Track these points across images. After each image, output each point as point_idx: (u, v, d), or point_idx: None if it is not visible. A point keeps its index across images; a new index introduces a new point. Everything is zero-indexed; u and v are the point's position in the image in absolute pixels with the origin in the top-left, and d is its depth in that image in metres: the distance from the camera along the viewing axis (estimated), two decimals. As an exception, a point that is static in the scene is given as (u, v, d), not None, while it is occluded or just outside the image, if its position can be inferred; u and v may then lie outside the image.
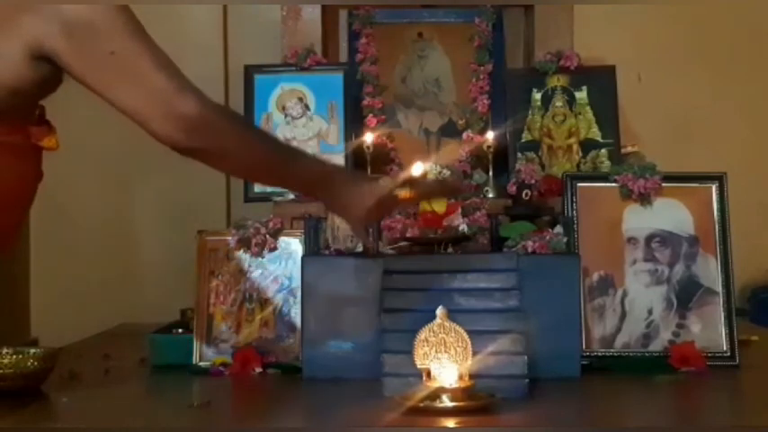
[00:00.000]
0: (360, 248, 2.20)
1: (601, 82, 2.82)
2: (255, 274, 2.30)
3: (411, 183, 1.96)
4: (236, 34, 3.49)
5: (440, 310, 1.86)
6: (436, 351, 1.82)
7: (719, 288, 2.28)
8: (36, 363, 1.96)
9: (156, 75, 1.64)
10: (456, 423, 1.72)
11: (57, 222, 3.34)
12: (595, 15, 3.24)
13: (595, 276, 2.27)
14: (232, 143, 1.73)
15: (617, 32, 3.42)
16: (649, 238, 2.30)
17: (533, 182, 2.39)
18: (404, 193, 1.93)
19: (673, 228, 2.31)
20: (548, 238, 2.20)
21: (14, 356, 1.95)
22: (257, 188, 2.77)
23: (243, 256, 2.31)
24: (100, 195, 3.43)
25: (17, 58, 1.61)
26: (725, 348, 2.24)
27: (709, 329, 2.25)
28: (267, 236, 2.29)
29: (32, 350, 2.01)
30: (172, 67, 1.68)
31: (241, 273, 2.30)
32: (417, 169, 2.01)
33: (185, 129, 1.66)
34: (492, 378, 1.87)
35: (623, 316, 2.26)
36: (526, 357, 1.95)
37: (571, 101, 2.81)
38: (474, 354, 1.82)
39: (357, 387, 2.02)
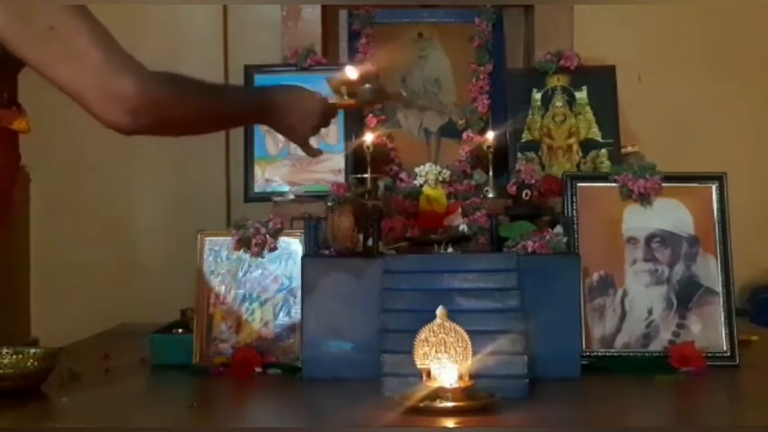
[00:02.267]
0: (360, 248, 2.20)
1: (601, 82, 2.82)
2: (255, 274, 2.30)
3: (348, 88, 1.97)
4: (236, 34, 3.48)
5: (440, 310, 1.86)
6: (436, 351, 1.82)
7: (719, 288, 2.28)
8: (36, 363, 1.96)
9: (94, 53, 1.59)
10: (456, 423, 1.72)
11: (56, 222, 3.34)
12: (595, 15, 3.24)
13: (595, 276, 2.27)
14: (178, 113, 1.70)
15: (617, 32, 3.42)
16: (649, 238, 2.30)
17: (533, 182, 2.39)
18: (343, 102, 1.99)
19: (673, 228, 2.31)
20: (548, 238, 2.20)
21: (14, 356, 1.95)
22: (257, 188, 2.77)
23: (243, 256, 2.31)
24: (100, 195, 3.43)
25: None
26: (725, 348, 2.24)
27: (709, 329, 2.25)
28: (267, 236, 2.29)
29: (32, 350, 2.01)
30: (113, 45, 1.62)
31: (241, 273, 2.30)
32: (351, 73, 2.00)
33: (128, 111, 1.61)
34: (492, 378, 1.87)
35: (623, 316, 2.26)
36: (526, 357, 1.95)
37: (571, 101, 2.81)
38: (474, 354, 1.82)
39: (357, 387, 2.01)
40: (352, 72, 1.99)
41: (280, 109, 1.92)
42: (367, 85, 1.99)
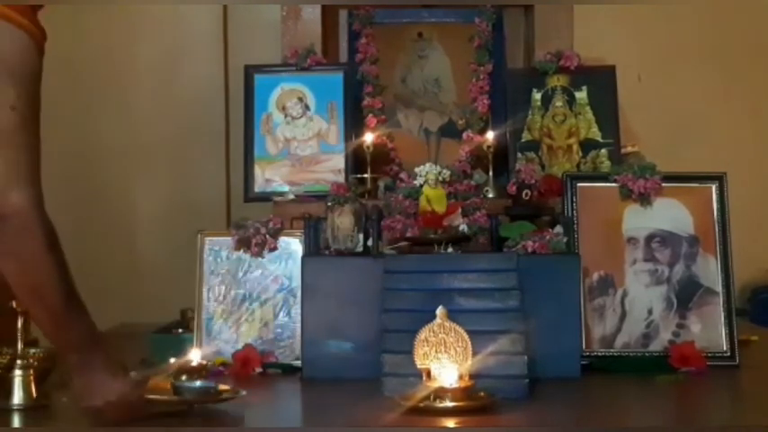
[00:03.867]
0: (360, 248, 2.20)
1: (601, 82, 2.82)
2: (255, 274, 2.30)
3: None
4: (236, 34, 3.49)
5: (440, 310, 1.86)
6: (436, 351, 1.82)
7: (719, 288, 2.28)
8: (36, 363, 1.96)
9: (21, 152, 1.56)
10: (456, 423, 1.73)
11: (56, 222, 3.34)
12: (595, 15, 3.24)
13: (595, 276, 2.27)
14: (33, 262, 1.60)
15: (617, 32, 3.42)
16: (649, 238, 2.30)
17: (533, 182, 2.39)
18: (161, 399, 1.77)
19: (673, 228, 2.31)
20: (548, 238, 2.20)
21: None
22: (257, 188, 2.77)
23: (243, 256, 2.31)
24: (100, 195, 3.43)
25: None
26: (725, 348, 2.24)
27: (709, 329, 2.25)
28: (267, 236, 2.29)
29: (33, 350, 2.01)
30: (36, 153, 1.60)
31: (241, 273, 2.30)
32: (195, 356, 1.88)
33: (3, 217, 1.55)
34: (492, 378, 1.87)
35: (623, 316, 2.26)
36: (526, 357, 1.95)
37: (571, 101, 2.81)
38: (474, 354, 1.82)
39: (357, 387, 2.01)
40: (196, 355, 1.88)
41: (93, 366, 1.70)
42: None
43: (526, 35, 3.06)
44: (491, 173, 2.70)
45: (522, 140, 2.79)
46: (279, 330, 2.27)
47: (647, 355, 2.23)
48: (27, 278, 1.62)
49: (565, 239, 2.22)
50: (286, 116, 2.81)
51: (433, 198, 2.26)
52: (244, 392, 1.86)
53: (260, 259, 2.30)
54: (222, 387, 1.86)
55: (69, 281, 1.67)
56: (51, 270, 1.62)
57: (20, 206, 1.56)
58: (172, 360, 1.88)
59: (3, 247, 1.57)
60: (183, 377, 1.83)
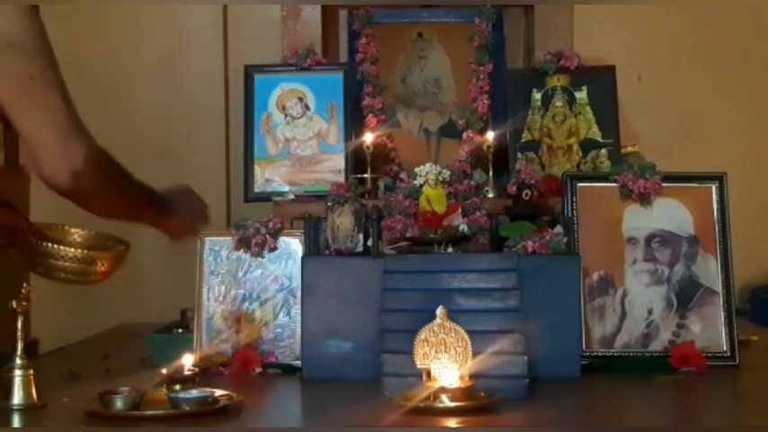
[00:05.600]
0: (360, 248, 2.20)
1: (601, 82, 2.82)
2: (255, 274, 2.30)
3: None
4: (236, 34, 3.49)
5: (440, 310, 1.86)
6: (436, 351, 1.82)
7: (719, 288, 2.28)
8: (103, 265, 2.02)
9: (63, 110, 1.69)
10: (456, 423, 1.72)
11: (56, 222, 3.34)
12: (595, 15, 3.24)
13: (595, 276, 2.27)
14: (110, 191, 1.83)
15: (617, 32, 3.42)
16: (649, 238, 2.30)
17: (533, 182, 2.39)
18: None
19: (673, 228, 2.31)
20: (548, 238, 2.20)
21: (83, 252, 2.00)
22: (257, 188, 2.77)
23: (243, 256, 2.31)
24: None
25: None
26: (725, 348, 2.24)
27: (709, 329, 2.25)
28: (267, 236, 2.29)
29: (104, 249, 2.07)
30: (73, 105, 1.72)
31: (241, 273, 2.30)
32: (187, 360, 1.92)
33: (73, 173, 1.70)
34: (492, 378, 1.87)
35: (623, 316, 2.26)
36: (526, 357, 1.95)
37: (571, 101, 2.81)
38: (474, 354, 1.82)
39: (357, 387, 2.02)
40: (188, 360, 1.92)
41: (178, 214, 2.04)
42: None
43: (526, 35, 3.06)
44: (491, 173, 2.70)
45: (522, 140, 2.79)
46: (279, 330, 2.27)
47: (647, 355, 2.23)
48: (114, 210, 1.90)
49: (565, 239, 2.22)
50: (286, 116, 2.81)
51: (433, 198, 2.26)
52: (241, 398, 1.86)
53: (260, 259, 2.30)
54: (219, 394, 1.86)
55: (143, 190, 1.93)
56: (129, 195, 1.89)
57: (84, 158, 1.70)
58: (164, 371, 1.88)
59: (89, 193, 1.76)
60: (178, 387, 1.84)
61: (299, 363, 2.17)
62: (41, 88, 1.66)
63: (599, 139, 2.78)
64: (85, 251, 2.02)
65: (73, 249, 2.01)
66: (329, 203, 2.26)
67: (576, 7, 2.95)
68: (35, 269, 2.01)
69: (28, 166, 1.73)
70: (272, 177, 2.78)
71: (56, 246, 2.00)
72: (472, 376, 1.81)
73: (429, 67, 2.98)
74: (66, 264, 1.96)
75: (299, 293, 2.22)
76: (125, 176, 1.88)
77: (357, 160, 2.74)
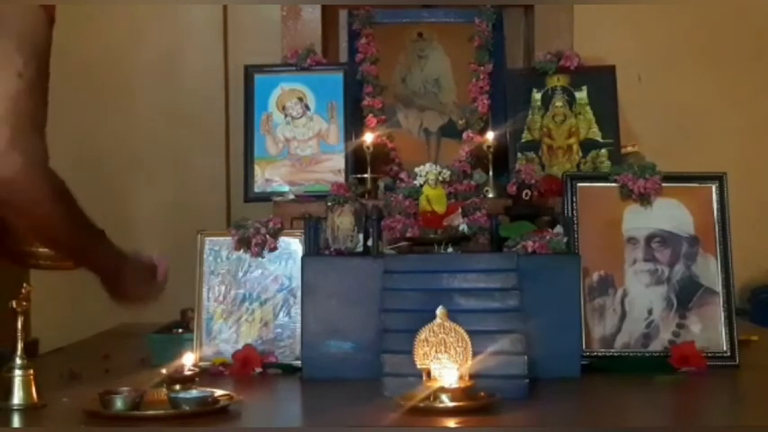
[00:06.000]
0: (360, 248, 2.20)
1: (601, 82, 2.82)
2: (255, 274, 2.30)
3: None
4: (236, 34, 3.49)
5: (440, 310, 1.86)
6: (436, 351, 1.82)
7: (719, 288, 2.28)
8: None
9: (25, 118, 1.63)
10: (456, 423, 1.72)
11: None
12: (595, 15, 3.24)
13: (595, 276, 2.27)
14: (44, 218, 1.71)
15: (617, 32, 3.42)
16: (649, 238, 2.30)
17: (533, 182, 2.39)
18: None
19: (673, 228, 2.31)
20: (548, 238, 2.20)
21: None
22: (257, 188, 2.77)
23: (243, 256, 2.31)
24: (100, 195, 3.43)
25: None
26: (725, 348, 2.24)
27: (710, 329, 2.25)
28: (267, 236, 2.29)
29: None
30: (42, 117, 1.68)
31: (241, 273, 2.30)
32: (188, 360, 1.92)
33: (7, 180, 1.62)
34: (492, 378, 1.87)
35: (623, 316, 2.26)
36: (526, 357, 1.95)
37: (571, 101, 2.81)
38: (474, 354, 1.82)
39: (357, 387, 2.02)
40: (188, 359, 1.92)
41: (126, 278, 1.92)
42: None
43: (526, 35, 3.06)
44: (491, 173, 2.70)
45: (522, 140, 2.79)
46: (279, 330, 2.27)
47: (647, 355, 2.23)
48: (42, 232, 1.77)
49: (565, 239, 2.22)
50: (286, 116, 2.81)
51: (433, 198, 2.26)
52: (241, 397, 1.86)
53: (260, 259, 2.30)
54: (219, 394, 1.86)
55: (84, 225, 1.81)
56: (62, 222, 1.74)
57: (21, 166, 1.62)
58: (163, 371, 1.88)
59: (14, 206, 1.66)
60: (178, 387, 1.84)
61: (299, 363, 2.17)
62: (22, 88, 1.63)
63: (599, 139, 2.78)
64: None
65: None
66: (329, 203, 2.26)
67: (576, 7, 2.95)
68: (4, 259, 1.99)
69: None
70: (272, 177, 2.78)
71: None
72: (472, 376, 1.81)
73: (429, 67, 2.98)
74: (40, 249, 1.95)
75: (299, 293, 2.22)
76: (71, 205, 1.78)
77: (357, 160, 2.74)
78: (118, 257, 1.90)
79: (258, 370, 2.20)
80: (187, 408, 1.79)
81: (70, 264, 1.95)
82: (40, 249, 1.93)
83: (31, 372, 1.88)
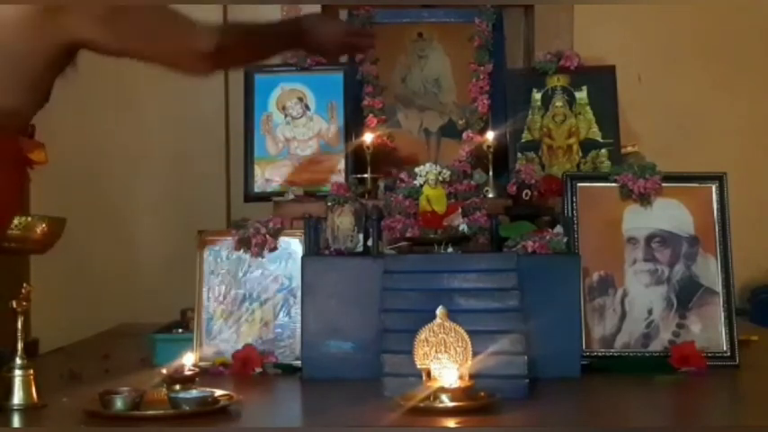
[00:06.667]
0: (360, 248, 2.20)
1: (601, 82, 2.82)
2: (255, 274, 2.30)
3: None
4: (236, 34, 3.48)
5: (440, 310, 1.86)
6: (436, 351, 1.82)
7: (719, 288, 2.28)
8: (45, 227, 1.97)
9: (169, 18, 1.85)
10: (456, 423, 1.72)
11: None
12: (595, 15, 3.24)
13: (595, 276, 2.27)
14: (241, 55, 2.03)
15: (617, 32, 3.42)
16: (649, 238, 2.30)
17: (533, 182, 2.39)
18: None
19: (673, 228, 2.31)
20: (548, 238, 2.20)
21: (24, 219, 1.96)
22: (257, 188, 2.77)
23: (243, 256, 2.31)
24: (100, 195, 3.43)
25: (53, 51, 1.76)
26: (725, 348, 2.24)
27: (710, 329, 2.25)
28: (267, 236, 2.29)
29: (40, 216, 2.02)
30: (176, 9, 1.87)
31: (241, 273, 2.30)
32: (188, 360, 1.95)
33: (210, 63, 1.88)
34: (492, 378, 1.87)
35: (623, 316, 2.26)
36: (526, 357, 1.95)
37: (571, 101, 2.81)
38: (474, 354, 1.82)
39: (357, 387, 2.02)
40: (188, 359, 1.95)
41: (306, 31, 2.10)
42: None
43: (526, 35, 3.07)
44: (491, 173, 2.70)
45: (522, 140, 2.79)
46: (279, 330, 2.27)
47: (647, 355, 2.23)
48: (248, 60, 2.32)
49: (565, 239, 2.22)
50: (286, 116, 2.81)
51: (433, 198, 2.26)
52: (241, 397, 1.86)
53: (260, 259, 2.30)
54: (219, 394, 1.86)
55: (254, 30, 2.08)
56: (248, 45, 2.03)
57: (208, 41, 1.88)
58: (164, 371, 1.88)
59: (221, 65, 2.02)
60: (178, 387, 1.84)
61: (299, 363, 2.17)
62: (151, 22, 1.83)
63: (599, 139, 2.78)
64: (26, 218, 2.00)
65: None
66: (329, 203, 2.26)
67: (576, 7, 2.96)
68: None
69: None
70: (272, 177, 2.78)
71: None
72: (472, 376, 1.81)
73: (429, 67, 2.98)
74: (9, 231, 1.95)
75: (299, 293, 2.22)
76: (250, 36, 2.05)
77: (357, 160, 2.74)
78: (292, 22, 2.26)
79: (258, 370, 2.20)
80: (187, 408, 1.79)
81: (38, 247, 1.98)
82: (9, 231, 1.94)
83: (31, 372, 1.88)
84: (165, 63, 1.89)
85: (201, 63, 1.88)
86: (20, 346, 1.89)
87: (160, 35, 1.86)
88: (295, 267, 2.26)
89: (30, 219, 1.97)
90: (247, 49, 2.03)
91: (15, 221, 1.94)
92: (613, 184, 2.32)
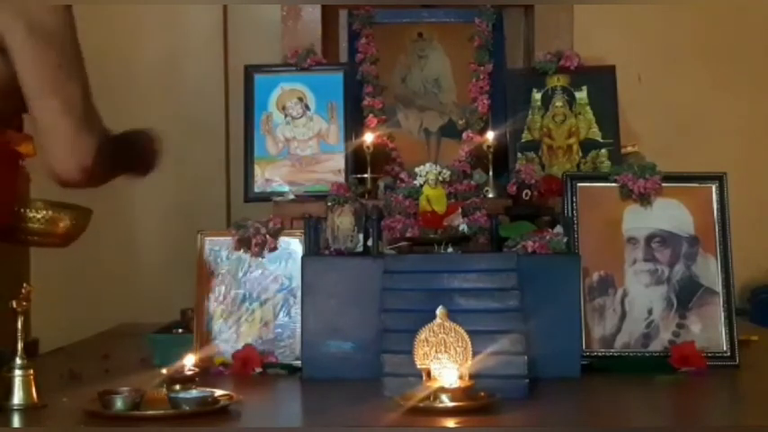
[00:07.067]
0: (360, 248, 2.20)
1: (601, 82, 2.82)
2: (255, 274, 2.30)
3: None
4: (236, 34, 3.49)
5: (440, 310, 1.86)
6: (436, 351, 1.82)
7: (719, 288, 2.28)
8: (69, 221, 2.03)
9: (81, 103, 1.77)
10: (456, 423, 1.72)
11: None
12: (595, 15, 3.24)
13: (595, 276, 2.27)
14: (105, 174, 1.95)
15: (617, 32, 3.42)
16: (649, 238, 2.30)
17: (533, 182, 2.39)
18: None
19: (673, 228, 2.31)
20: (548, 238, 2.20)
21: (48, 212, 2.00)
22: (257, 188, 2.77)
23: (243, 256, 2.31)
24: (100, 195, 3.42)
25: None
26: (725, 348, 2.24)
27: (710, 329, 2.25)
28: (267, 236, 2.29)
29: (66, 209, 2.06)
30: (91, 100, 1.82)
31: (241, 273, 2.30)
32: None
33: (82, 169, 1.80)
34: (492, 378, 1.87)
35: (623, 316, 2.26)
36: (526, 357, 1.95)
37: (571, 101, 2.81)
38: (474, 354, 1.82)
39: (357, 387, 2.02)
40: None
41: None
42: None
43: (526, 35, 3.06)
44: (491, 173, 2.70)
45: (522, 140, 2.79)
46: (279, 330, 2.27)
47: (647, 355, 2.23)
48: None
49: (565, 239, 2.22)
50: (286, 116, 2.81)
51: (433, 198, 2.26)
52: (241, 397, 1.86)
53: (260, 259, 2.30)
54: (218, 394, 1.86)
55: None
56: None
57: (87, 158, 1.80)
58: (164, 371, 1.88)
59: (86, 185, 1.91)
60: (178, 387, 1.84)
61: (299, 363, 2.17)
62: (66, 78, 1.73)
63: (599, 139, 2.78)
64: (49, 211, 2.01)
65: (36, 211, 2.00)
66: (329, 203, 2.26)
67: (576, 7, 2.95)
68: None
69: (43, 161, 1.77)
70: (272, 177, 2.78)
71: (21, 210, 1.99)
72: (472, 376, 1.81)
73: (429, 67, 2.98)
74: (29, 225, 1.96)
75: (299, 293, 2.22)
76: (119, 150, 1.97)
77: (357, 160, 2.74)
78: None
79: (258, 370, 2.20)
80: (187, 408, 1.79)
81: (58, 240, 1.98)
82: (30, 225, 1.94)
83: (31, 372, 1.88)
84: (46, 127, 1.78)
85: (75, 167, 1.82)
86: (20, 346, 1.89)
87: (64, 92, 1.77)
88: (295, 267, 2.26)
89: (51, 212, 1.98)
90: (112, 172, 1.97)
91: (39, 214, 1.95)
92: (613, 184, 2.32)
